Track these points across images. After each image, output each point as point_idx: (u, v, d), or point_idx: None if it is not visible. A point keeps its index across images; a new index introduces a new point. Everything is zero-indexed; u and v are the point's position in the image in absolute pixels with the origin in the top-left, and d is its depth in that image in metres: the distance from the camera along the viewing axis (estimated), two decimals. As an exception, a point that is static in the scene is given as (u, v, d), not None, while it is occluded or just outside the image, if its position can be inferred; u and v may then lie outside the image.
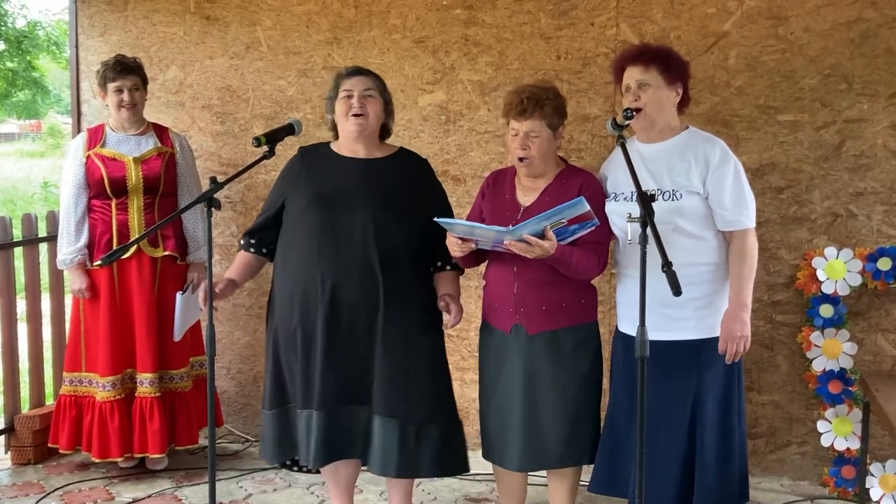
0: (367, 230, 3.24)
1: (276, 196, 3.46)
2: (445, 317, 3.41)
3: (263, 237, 3.46)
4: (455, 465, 3.42)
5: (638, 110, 3.14)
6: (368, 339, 3.26)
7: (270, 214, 3.44)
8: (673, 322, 3.12)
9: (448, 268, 3.43)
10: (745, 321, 3.10)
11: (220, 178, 3.03)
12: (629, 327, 3.23)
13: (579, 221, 3.05)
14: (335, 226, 3.26)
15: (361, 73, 3.42)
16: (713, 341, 3.12)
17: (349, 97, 3.34)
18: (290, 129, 3.31)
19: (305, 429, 3.29)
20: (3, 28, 20.63)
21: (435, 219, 3.16)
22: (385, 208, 3.28)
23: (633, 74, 3.20)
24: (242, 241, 3.49)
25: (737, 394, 3.20)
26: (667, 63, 3.20)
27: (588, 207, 2.99)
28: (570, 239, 3.11)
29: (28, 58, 21.30)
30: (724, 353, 3.10)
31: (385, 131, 3.47)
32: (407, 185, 3.38)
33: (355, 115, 3.32)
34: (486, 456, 3.43)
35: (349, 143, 3.40)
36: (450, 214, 3.43)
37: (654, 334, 3.06)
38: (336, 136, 3.48)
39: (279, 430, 3.38)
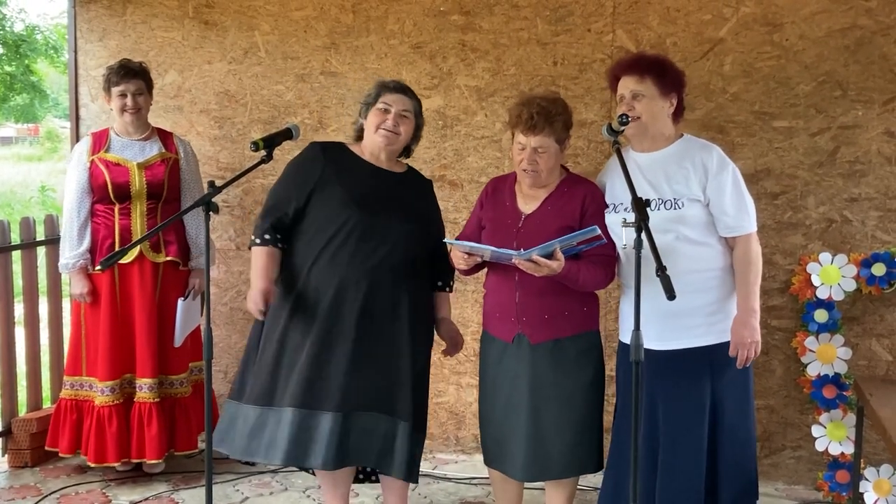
0: (401, 240, 3.29)
1: (300, 188, 3.34)
2: (439, 344, 3.54)
3: (285, 231, 3.37)
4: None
5: (635, 119, 3.14)
6: (390, 347, 3.30)
7: (298, 207, 3.33)
8: (685, 330, 3.12)
9: (447, 289, 3.53)
10: (754, 327, 3.10)
11: (218, 183, 3.04)
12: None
13: (587, 242, 3.07)
14: (374, 231, 3.28)
15: (406, 92, 3.40)
16: (725, 346, 3.12)
17: (386, 111, 3.33)
18: (287, 134, 3.32)
19: (306, 429, 3.25)
20: (1, 32, 20.62)
21: (444, 240, 3.22)
22: (415, 222, 3.36)
23: (627, 84, 3.19)
24: (268, 237, 3.33)
25: (751, 398, 3.23)
26: (662, 73, 3.18)
27: (599, 232, 3.01)
28: (575, 251, 3.13)
29: (26, 62, 21.27)
30: (735, 357, 3.11)
31: (406, 151, 3.50)
32: (422, 204, 3.48)
33: (387, 132, 3.33)
34: (487, 463, 3.42)
35: (372, 153, 3.40)
36: (440, 234, 3.51)
37: (665, 343, 3.09)
38: (356, 139, 3.47)
39: (255, 426, 3.29)
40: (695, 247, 3.12)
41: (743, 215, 3.13)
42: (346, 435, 3.23)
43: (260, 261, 3.35)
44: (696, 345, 3.13)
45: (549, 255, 3.04)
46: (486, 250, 3.13)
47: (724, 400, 3.14)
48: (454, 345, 3.53)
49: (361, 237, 3.26)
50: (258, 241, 3.36)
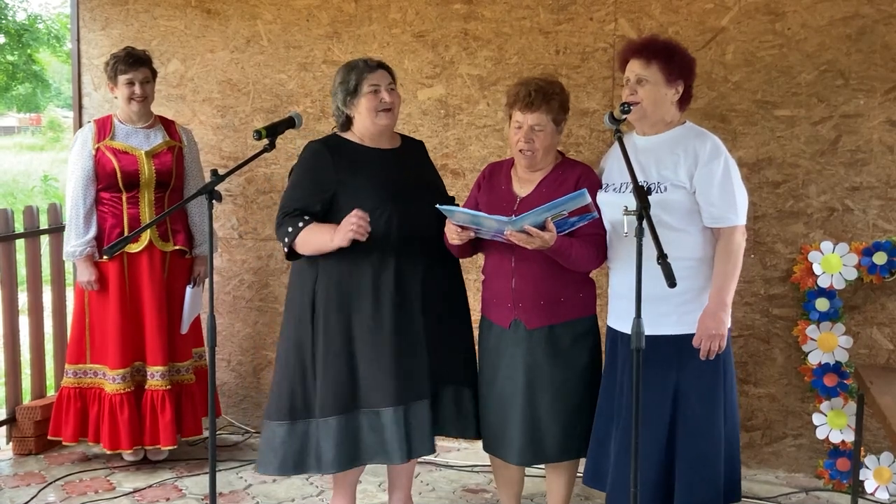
0: (431, 219, 3.29)
1: (321, 188, 3.28)
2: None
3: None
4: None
5: (635, 103, 3.13)
6: (436, 323, 3.38)
7: (319, 207, 3.26)
8: (655, 317, 3.03)
9: None
10: (722, 320, 3.06)
11: (221, 171, 3.05)
12: (616, 322, 3.26)
13: (579, 214, 3.07)
14: (406, 218, 3.28)
15: (384, 67, 3.39)
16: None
17: (376, 92, 3.31)
18: (290, 123, 3.32)
19: (376, 427, 3.28)
20: (4, 21, 20.64)
21: (437, 206, 3.18)
22: (433, 195, 3.37)
23: (633, 68, 3.17)
24: (301, 223, 3.23)
25: (723, 392, 3.15)
26: (669, 60, 3.15)
27: (589, 200, 3.01)
28: (568, 230, 3.13)
29: (28, 51, 21.31)
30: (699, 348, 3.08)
31: None
32: (426, 169, 3.53)
33: (386, 111, 3.33)
34: (486, 448, 3.45)
35: (372, 136, 3.38)
36: (447, 193, 3.55)
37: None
38: (344, 129, 3.42)
39: (346, 434, 3.28)
40: (672, 233, 3.06)
41: (730, 207, 3.09)
42: (408, 426, 3.29)
43: (314, 231, 3.23)
44: (664, 333, 3.08)
45: (542, 227, 3.05)
46: (479, 217, 3.10)
47: (688, 391, 3.10)
48: None
49: (400, 229, 3.27)
50: (298, 228, 3.23)
